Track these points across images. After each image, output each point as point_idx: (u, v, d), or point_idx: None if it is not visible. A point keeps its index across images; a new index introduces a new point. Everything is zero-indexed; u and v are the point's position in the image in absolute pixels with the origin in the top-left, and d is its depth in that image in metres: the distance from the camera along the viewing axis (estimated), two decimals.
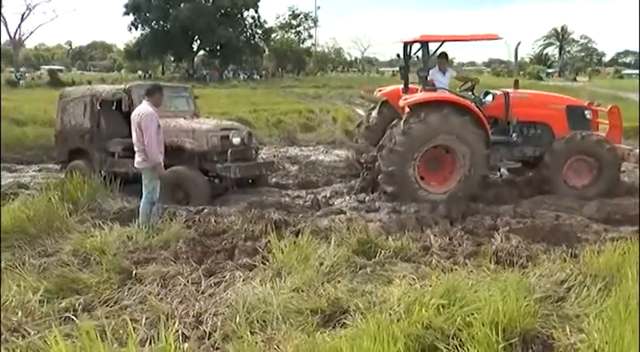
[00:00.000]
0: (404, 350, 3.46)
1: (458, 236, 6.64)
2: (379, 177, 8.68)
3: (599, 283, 4.62)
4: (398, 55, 9.88)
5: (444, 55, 9.56)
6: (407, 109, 8.71)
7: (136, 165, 7.23)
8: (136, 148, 7.11)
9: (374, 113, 10.26)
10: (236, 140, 9.17)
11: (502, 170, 9.95)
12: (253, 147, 9.76)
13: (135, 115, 7.07)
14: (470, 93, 9.50)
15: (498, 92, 9.37)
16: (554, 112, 9.18)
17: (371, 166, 9.34)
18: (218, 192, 9.15)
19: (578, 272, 4.92)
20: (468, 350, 3.52)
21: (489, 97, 9.44)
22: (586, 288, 4.59)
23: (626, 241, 5.43)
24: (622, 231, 6.81)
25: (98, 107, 9.64)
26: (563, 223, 7.05)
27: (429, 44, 9.04)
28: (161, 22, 64.00)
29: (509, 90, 9.36)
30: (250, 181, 9.70)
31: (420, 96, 8.80)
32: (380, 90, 10.50)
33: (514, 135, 8.95)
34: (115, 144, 9.42)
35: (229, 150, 8.95)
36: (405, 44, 9.49)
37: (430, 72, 9.19)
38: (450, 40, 9.27)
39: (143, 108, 7.03)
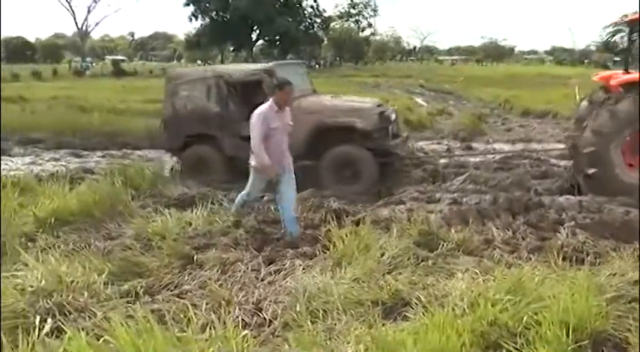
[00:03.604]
0: (469, 346, 3.35)
1: (521, 230, 6.39)
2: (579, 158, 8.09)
3: None
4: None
5: None
6: (619, 90, 8.12)
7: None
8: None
9: (585, 102, 9.41)
10: (392, 116, 9.18)
11: None
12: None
13: None
14: None
15: None
16: None
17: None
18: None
19: None
20: (537, 349, 3.38)
21: None
22: None
23: None
24: None
25: (227, 89, 9.20)
26: (634, 219, 6.69)
27: None
28: (221, 13, 64.70)
29: None
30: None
31: (635, 75, 8.08)
32: (597, 75, 9.72)
33: None
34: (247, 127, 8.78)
35: (390, 127, 8.93)
36: (631, 26, 8.97)
37: None
38: None
39: (257, 109, 6.24)
